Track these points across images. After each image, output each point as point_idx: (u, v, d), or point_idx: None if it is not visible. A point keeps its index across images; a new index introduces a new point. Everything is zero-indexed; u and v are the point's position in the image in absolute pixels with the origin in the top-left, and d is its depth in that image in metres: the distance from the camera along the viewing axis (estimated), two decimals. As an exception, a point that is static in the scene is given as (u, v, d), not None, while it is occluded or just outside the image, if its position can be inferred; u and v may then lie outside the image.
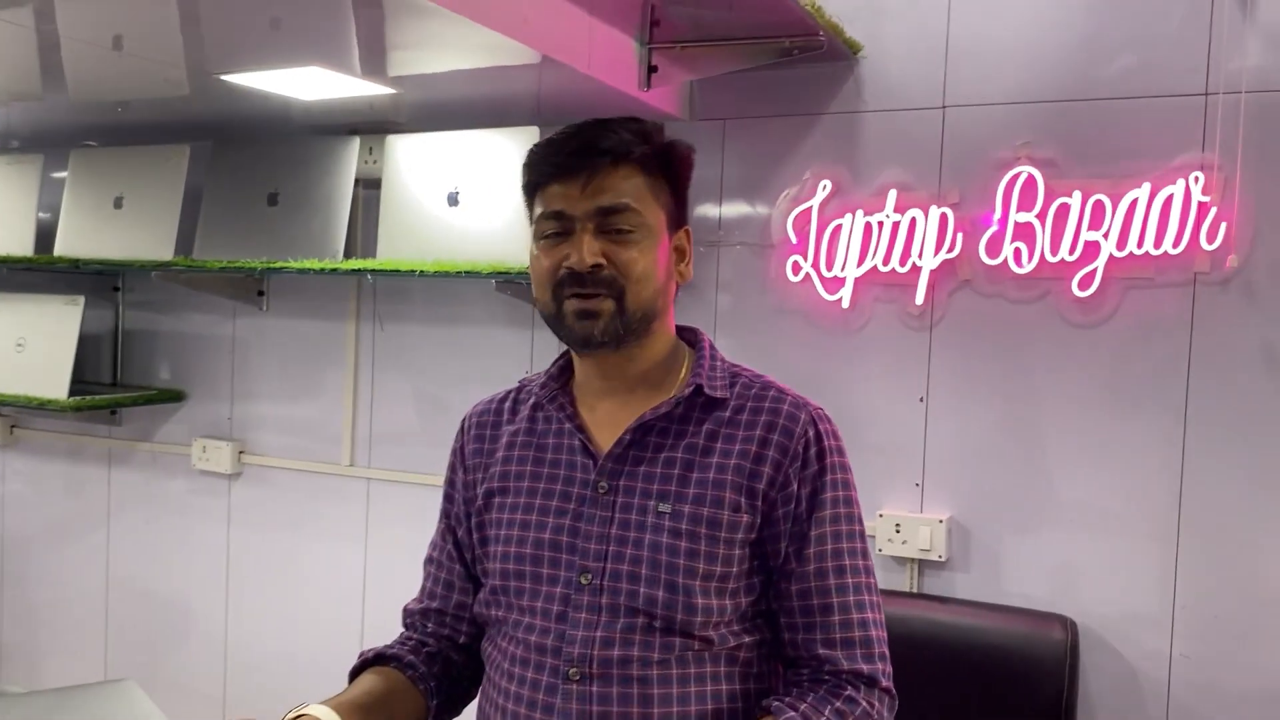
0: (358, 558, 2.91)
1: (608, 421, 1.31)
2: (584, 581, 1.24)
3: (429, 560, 1.46)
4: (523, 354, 2.68)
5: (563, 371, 1.38)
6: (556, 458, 1.31)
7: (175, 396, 3.15)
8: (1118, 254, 2.13)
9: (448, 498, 1.44)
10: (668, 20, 2.24)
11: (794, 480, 1.25)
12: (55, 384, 2.84)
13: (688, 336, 1.38)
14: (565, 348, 1.36)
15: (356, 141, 2.61)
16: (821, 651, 1.24)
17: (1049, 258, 2.17)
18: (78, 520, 3.37)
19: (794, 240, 2.39)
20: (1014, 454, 2.24)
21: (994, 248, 2.22)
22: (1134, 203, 2.11)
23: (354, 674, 1.36)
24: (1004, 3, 2.23)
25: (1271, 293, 2.04)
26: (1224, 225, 2.04)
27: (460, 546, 1.42)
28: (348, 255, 2.69)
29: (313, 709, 1.18)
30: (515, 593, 1.28)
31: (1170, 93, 2.11)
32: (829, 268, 2.35)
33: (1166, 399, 2.12)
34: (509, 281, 2.35)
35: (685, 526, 1.22)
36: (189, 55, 2.18)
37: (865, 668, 1.24)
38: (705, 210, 2.51)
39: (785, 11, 2.05)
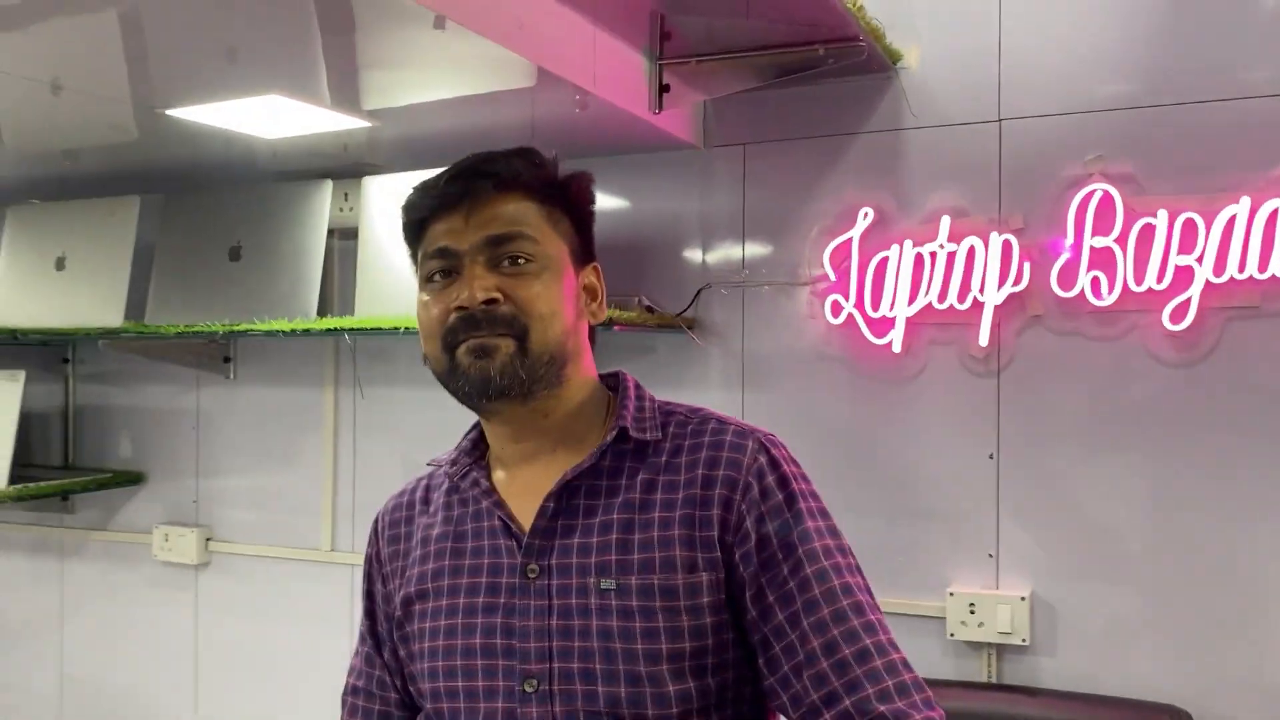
0: (342, 654, 2.55)
1: (528, 491, 1.10)
2: (529, 689, 1.03)
3: (352, 691, 1.23)
4: (524, 418, 2.36)
5: (476, 445, 1.18)
6: (478, 545, 1.11)
7: (133, 479, 2.81)
8: (1215, 280, 1.84)
9: (368, 614, 1.23)
10: (679, 34, 1.96)
11: (749, 515, 1.04)
12: (-8, 471, 2.50)
13: (610, 382, 1.19)
14: (477, 420, 1.18)
15: (329, 185, 2.31)
16: (884, 713, 0.97)
17: (1133, 287, 1.88)
18: (28, 618, 3.01)
19: (832, 277, 2.09)
20: (1103, 516, 1.92)
21: (1067, 278, 1.93)
22: (1231, 220, 1.83)
23: None
24: (1062, -1, 1.96)
25: (1403, 318, 1.75)
26: (1342, 241, 1.76)
27: (391, 670, 1.20)
28: (322, 313, 2.38)
29: None
30: (451, 716, 1.07)
31: (1265, 92, 1.83)
32: (875, 307, 2.05)
33: (1282, 445, 1.82)
34: (507, 337, 2.04)
35: (636, 603, 1.02)
36: (135, 92, 1.89)
37: (934, 714, 0.99)
38: (726, 249, 2.22)
39: (822, 12, 1.77)
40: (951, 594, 1.99)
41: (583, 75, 1.78)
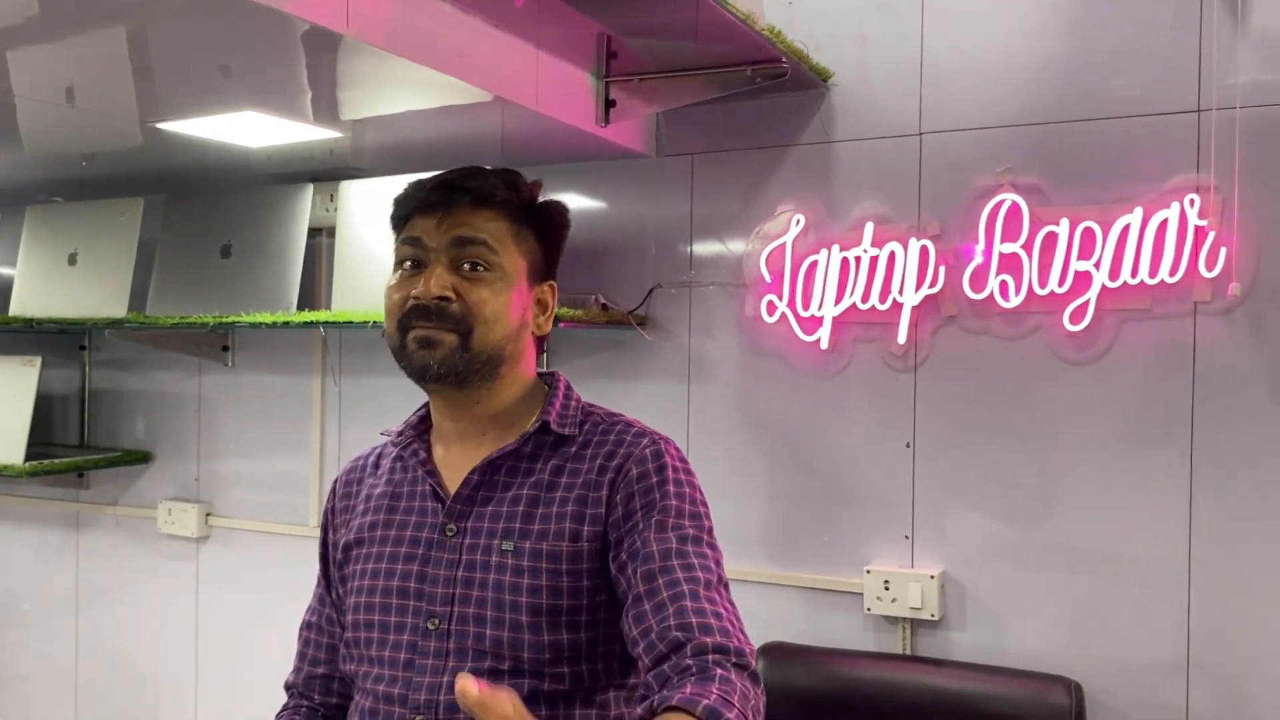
0: (328, 623, 2.76)
1: (459, 464, 1.29)
2: (431, 627, 1.22)
3: (306, 626, 1.42)
4: (491, 405, 2.55)
5: (422, 421, 1.37)
6: (410, 504, 1.30)
7: (141, 458, 3.03)
8: (1111, 284, 1.99)
9: (322, 559, 1.41)
10: (625, 52, 2.13)
11: (622, 490, 1.22)
12: (11, 448, 2.73)
13: (548, 380, 1.36)
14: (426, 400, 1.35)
15: (310, 189, 2.51)
16: (677, 635, 1.09)
17: (1037, 290, 2.04)
18: (46, 586, 3.25)
19: (768, 279, 2.26)
20: (1009, 502, 2.08)
21: (979, 281, 2.08)
22: (1125, 229, 1.97)
23: None
24: (981, 22, 2.11)
25: (1278, 321, 1.89)
26: (1224, 250, 1.90)
27: (337, 608, 1.38)
28: (311, 306, 2.58)
29: None
30: (365, 644, 1.26)
31: (1160, 110, 1.97)
32: (805, 307, 2.22)
33: (1170, 438, 1.96)
34: (465, 331, 2.23)
35: (526, 563, 1.20)
36: (139, 105, 2.09)
37: (731, 643, 1.09)
38: (676, 249, 2.39)
39: (742, 38, 1.93)
40: (869, 572, 2.15)
41: (525, 95, 1.95)
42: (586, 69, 2.13)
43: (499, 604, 1.19)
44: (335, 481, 1.43)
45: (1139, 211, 1.96)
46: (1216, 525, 1.94)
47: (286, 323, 2.33)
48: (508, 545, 1.21)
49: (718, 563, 1.20)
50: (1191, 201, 1.92)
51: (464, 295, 1.21)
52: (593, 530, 1.21)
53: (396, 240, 1.29)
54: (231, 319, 2.41)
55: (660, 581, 1.14)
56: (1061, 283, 2.02)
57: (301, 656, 1.42)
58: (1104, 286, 1.99)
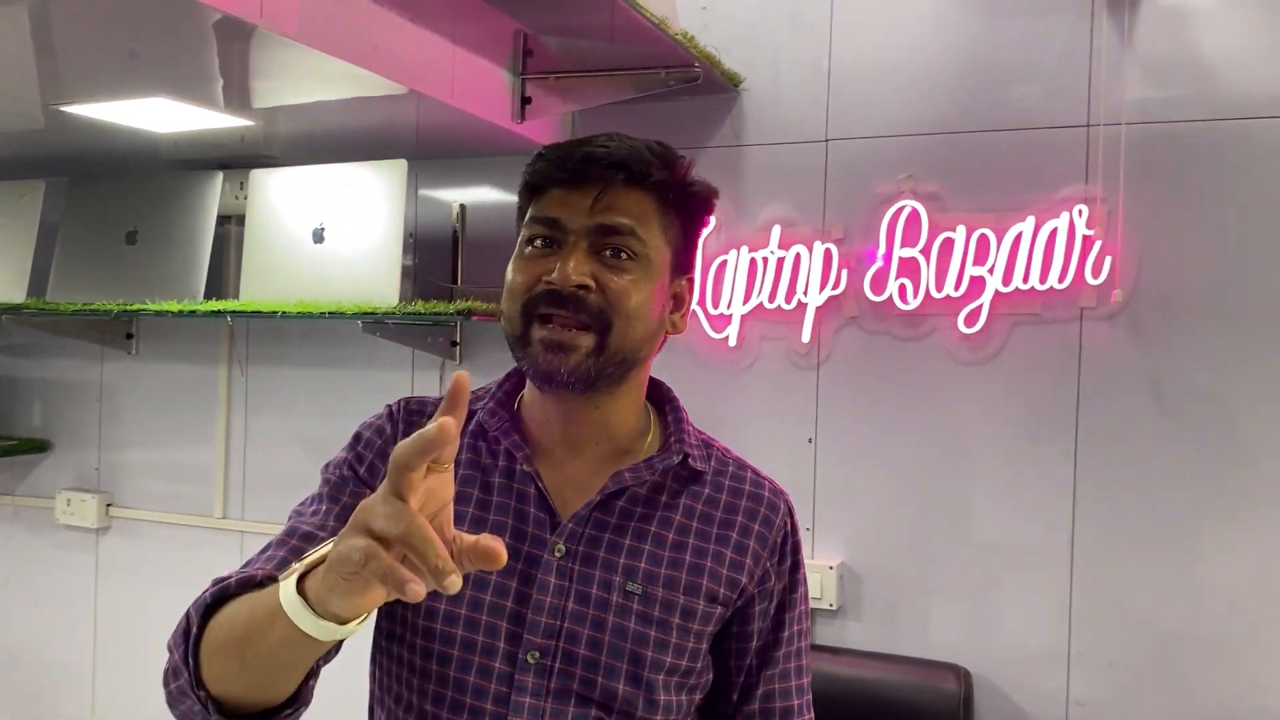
0: (232, 615, 2.73)
1: (564, 473, 1.13)
2: (530, 660, 1.07)
3: (293, 532, 1.10)
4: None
5: (510, 396, 1.18)
6: (504, 503, 1.12)
7: (39, 446, 2.96)
8: (1003, 289, 2.08)
9: (350, 479, 1.15)
10: (542, 50, 2.16)
11: (772, 575, 1.16)
12: (-100, 436, 2.65)
13: (651, 390, 1.22)
14: (515, 366, 1.16)
15: (219, 176, 2.47)
16: None
17: (934, 294, 2.12)
18: (-64, 579, 3.16)
19: (678, 277, 2.30)
20: (905, 496, 2.16)
21: (879, 284, 2.16)
22: (1018, 237, 2.06)
23: (209, 609, 0.99)
24: (887, 34, 2.18)
25: (1158, 328, 2.00)
26: (1109, 259, 2.00)
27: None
28: (219, 295, 2.55)
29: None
30: (440, 659, 1.09)
31: (1052, 124, 2.07)
32: (715, 305, 2.27)
33: (1055, 437, 2.06)
34: (377, 323, 2.23)
35: (657, 614, 1.09)
36: (41, 86, 2.04)
37: None
38: (589, 246, 2.42)
39: (656, 42, 1.98)
40: (771, 564, 2.22)
41: (440, 89, 1.97)
42: (503, 65, 2.16)
43: (617, 651, 1.07)
44: (396, 409, 1.18)
45: (1031, 220, 2.05)
46: (1098, 519, 2.04)
47: (193, 311, 2.31)
48: (633, 587, 1.09)
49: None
50: (1080, 212, 2.02)
51: (605, 285, 1.05)
52: (728, 595, 1.12)
53: (526, 215, 1.11)
54: (136, 307, 2.37)
55: (777, 687, 1.18)
56: (957, 287, 2.10)
57: (269, 560, 1.07)
58: (997, 291, 2.08)
